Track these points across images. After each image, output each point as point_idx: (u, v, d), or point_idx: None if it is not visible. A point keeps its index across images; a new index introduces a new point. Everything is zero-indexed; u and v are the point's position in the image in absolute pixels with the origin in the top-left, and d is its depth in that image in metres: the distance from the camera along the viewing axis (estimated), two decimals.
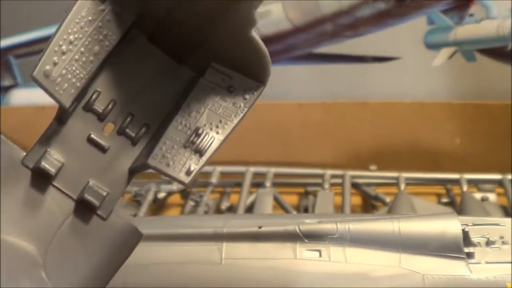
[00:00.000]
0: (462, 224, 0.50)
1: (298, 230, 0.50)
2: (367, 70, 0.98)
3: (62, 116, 0.37)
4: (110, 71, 0.38)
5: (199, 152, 0.36)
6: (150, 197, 0.90)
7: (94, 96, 0.37)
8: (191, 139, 0.36)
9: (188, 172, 0.36)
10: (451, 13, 0.93)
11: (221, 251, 0.50)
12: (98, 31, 0.36)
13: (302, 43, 0.96)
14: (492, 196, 0.89)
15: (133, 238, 0.38)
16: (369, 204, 0.91)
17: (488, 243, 0.50)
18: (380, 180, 0.92)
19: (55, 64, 0.34)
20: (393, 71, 0.96)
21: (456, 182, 0.89)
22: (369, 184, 0.92)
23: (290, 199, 0.90)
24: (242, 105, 0.37)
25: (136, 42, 0.38)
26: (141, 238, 0.38)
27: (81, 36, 0.35)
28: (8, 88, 1.09)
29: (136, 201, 0.91)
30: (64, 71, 0.35)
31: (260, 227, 0.51)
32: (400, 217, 0.52)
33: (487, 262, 0.50)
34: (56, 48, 0.34)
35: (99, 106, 0.37)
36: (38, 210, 0.36)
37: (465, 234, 0.51)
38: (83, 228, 0.36)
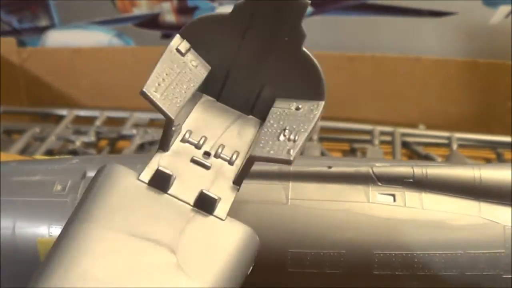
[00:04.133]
0: None
1: (371, 172, 0.47)
2: (421, 24, 0.94)
3: (166, 136, 0.41)
4: (197, 113, 0.44)
5: (293, 140, 0.40)
6: None
7: (187, 134, 0.43)
8: (283, 133, 0.41)
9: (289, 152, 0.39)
10: None
11: (287, 191, 0.47)
12: (184, 75, 0.42)
13: None
14: None
15: (252, 243, 0.40)
16: None
17: None
18: (431, 139, 0.89)
19: (158, 84, 0.39)
20: (449, 26, 0.93)
21: (508, 145, 0.86)
22: (418, 143, 0.88)
23: (336, 155, 0.87)
24: (311, 116, 0.41)
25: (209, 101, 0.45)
26: (259, 245, 0.40)
27: (173, 73, 0.41)
28: (44, 29, 1.06)
29: None
30: (165, 93, 0.39)
31: (330, 167, 0.48)
32: (481, 164, 0.48)
33: None
34: (157, 75, 0.40)
35: (194, 140, 0.43)
36: (159, 220, 0.39)
37: None
38: (204, 233, 0.39)
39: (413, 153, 0.88)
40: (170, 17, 1.01)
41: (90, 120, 0.97)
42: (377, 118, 0.92)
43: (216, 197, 0.40)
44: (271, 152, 0.39)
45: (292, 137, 0.40)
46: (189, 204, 0.40)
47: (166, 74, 0.40)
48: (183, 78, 0.41)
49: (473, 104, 0.94)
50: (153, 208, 0.39)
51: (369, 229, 0.46)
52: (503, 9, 0.92)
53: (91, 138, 0.91)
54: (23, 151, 0.89)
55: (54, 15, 1.05)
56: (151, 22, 1.03)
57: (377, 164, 0.48)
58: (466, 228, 0.46)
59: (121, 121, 0.96)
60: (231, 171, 0.42)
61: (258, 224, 0.43)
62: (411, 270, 0.46)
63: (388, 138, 0.87)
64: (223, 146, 0.43)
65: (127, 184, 0.40)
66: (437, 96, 0.94)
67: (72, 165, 0.53)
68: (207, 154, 0.42)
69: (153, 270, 0.36)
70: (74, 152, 0.88)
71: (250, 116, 0.45)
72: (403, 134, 0.87)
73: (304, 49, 0.41)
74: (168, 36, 1.03)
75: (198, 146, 0.42)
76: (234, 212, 0.40)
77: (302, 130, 0.40)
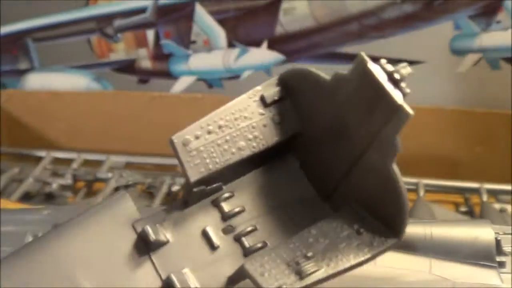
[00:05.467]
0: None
1: None
2: None
3: (187, 194, 0.36)
4: (251, 178, 0.37)
5: (299, 274, 0.33)
6: (164, 189, 0.89)
7: (226, 195, 0.36)
8: (297, 259, 0.33)
9: None
10: (479, 19, 0.91)
11: None
12: (249, 130, 0.35)
13: (326, 41, 0.94)
14: (509, 208, 0.87)
15: None
16: None
17: None
18: None
19: (196, 137, 0.34)
20: (417, 75, 0.95)
21: (476, 191, 0.88)
22: None
23: None
24: (366, 250, 0.34)
25: (288, 164, 0.38)
26: None
27: (231, 126, 0.35)
28: (24, 72, 1.08)
29: (150, 193, 0.90)
30: (202, 148, 0.34)
31: None
32: (432, 221, 0.50)
33: None
34: (203, 125, 0.34)
35: (226, 207, 0.36)
36: (131, 275, 0.35)
37: (497, 242, 0.49)
38: None
39: None
40: (146, 63, 1.04)
41: (67, 162, 0.98)
42: None
43: (192, 285, 0.34)
44: (265, 275, 0.32)
45: (305, 268, 0.33)
46: (161, 278, 0.35)
47: (220, 127, 0.35)
48: (243, 135, 0.35)
49: (442, 149, 0.96)
50: (128, 264, 0.35)
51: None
52: (471, 58, 0.94)
53: (68, 180, 0.93)
54: (1, 193, 0.91)
55: (34, 58, 1.07)
56: (128, 67, 1.05)
57: None
58: (417, 284, 0.48)
59: (97, 164, 0.97)
60: (236, 265, 0.35)
61: None
62: None
63: None
64: (255, 230, 0.36)
65: (121, 222, 0.35)
66: (405, 141, 0.96)
67: (43, 216, 0.55)
68: (229, 228, 0.36)
69: None
70: (50, 195, 0.90)
71: (325, 205, 0.37)
72: None
73: (393, 167, 0.33)
74: (144, 81, 1.05)
75: (224, 217, 0.36)
76: None
77: (333, 263, 0.33)
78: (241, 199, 0.37)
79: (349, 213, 0.35)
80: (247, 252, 0.36)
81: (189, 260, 0.35)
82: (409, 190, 0.89)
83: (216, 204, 0.36)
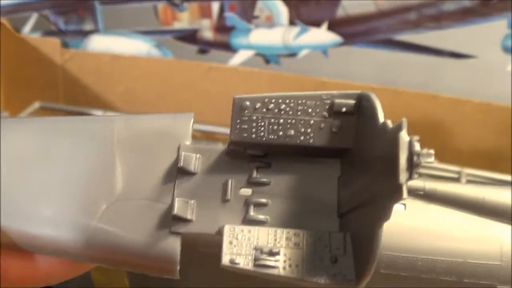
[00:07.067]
0: None
1: None
2: (441, 64, 0.99)
3: (227, 149, 0.38)
4: (293, 162, 0.38)
5: (255, 262, 0.34)
6: None
7: (262, 164, 0.38)
8: (264, 249, 0.34)
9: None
10: None
11: None
12: (304, 125, 0.36)
13: (384, 28, 0.97)
14: None
15: None
16: None
17: None
18: (442, 173, 0.93)
19: (254, 108, 0.36)
20: (467, 69, 0.97)
21: None
22: (430, 176, 0.93)
23: None
24: (325, 278, 0.34)
25: (332, 168, 0.38)
26: None
27: (290, 113, 0.36)
28: (88, 33, 1.12)
29: None
30: (254, 118, 0.36)
31: None
32: (486, 186, 0.53)
33: None
34: (266, 101, 0.36)
35: (256, 173, 0.37)
36: (155, 186, 0.37)
37: None
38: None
39: None
40: (208, 34, 1.07)
41: None
42: None
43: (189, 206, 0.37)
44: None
45: (263, 260, 0.34)
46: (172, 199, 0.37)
47: (279, 110, 0.36)
48: (296, 126, 0.36)
49: (484, 144, 0.98)
50: (155, 170, 0.38)
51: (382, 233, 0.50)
52: None
53: None
54: None
55: (99, 20, 1.10)
56: (189, 36, 1.08)
57: None
58: (467, 239, 0.51)
59: None
60: (228, 223, 0.36)
61: None
62: (415, 272, 0.50)
63: None
64: (265, 205, 0.37)
65: (172, 136, 0.38)
66: (450, 133, 0.98)
67: None
68: (247, 191, 0.37)
69: None
70: None
71: (336, 220, 0.37)
72: None
73: (379, 230, 0.32)
74: (203, 52, 1.08)
75: (250, 181, 0.37)
76: None
77: (285, 269, 0.34)
78: (273, 174, 0.37)
79: (338, 240, 0.35)
80: (245, 219, 0.37)
81: (200, 197, 0.37)
82: (452, 178, 0.91)
83: (250, 167, 0.38)
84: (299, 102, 0.36)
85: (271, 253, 0.34)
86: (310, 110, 0.36)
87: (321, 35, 1.01)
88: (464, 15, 0.94)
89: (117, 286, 0.57)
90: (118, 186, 0.37)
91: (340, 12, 0.98)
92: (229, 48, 1.06)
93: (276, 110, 0.36)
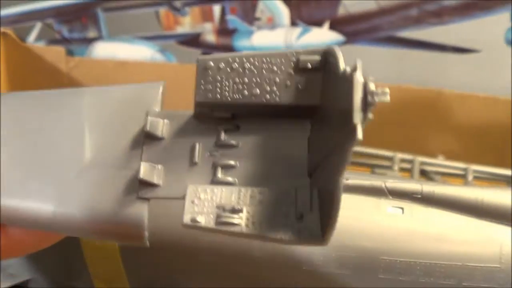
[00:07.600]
0: None
1: (384, 186, 0.52)
2: (444, 60, 0.98)
3: (194, 111, 0.37)
4: (262, 123, 0.37)
5: (218, 219, 0.34)
6: None
7: (230, 127, 0.37)
8: (227, 207, 0.34)
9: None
10: None
11: None
12: (270, 83, 0.36)
13: (386, 25, 0.97)
14: None
15: None
16: None
17: None
18: (449, 169, 0.92)
19: (218, 68, 0.36)
20: (471, 63, 0.97)
21: None
22: (436, 173, 0.92)
23: None
24: (291, 234, 0.33)
25: (301, 128, 0.37)
26: None
27: (255, 72, 0.36)
28: (92, 40, 1.13)
29: None
30: (218, 78, 0.36)
31: (347, 179, 0.52)
32: (484, 187, 0.53)
33: None
34: (230, 60, 0.36)
35: (224, 137, 0.37)
36: (123, 152, 0.38)
37: None
38: None
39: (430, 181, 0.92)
40: (210, 38, 1.07)
41: None
42: (397, 146, 0.96)
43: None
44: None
45: (225, 217, 0.34)
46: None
47: (244, 69, 0.35)
48: (261, 84, 0.36)
49: (491, 139, 0.98)
50: (123, 136, 0.38)
51: (377, 236, 0.51)
52: None
53: None
54: None
55: (102, 27, 1.11)
56: (192, 40, 1.08)
57: (389, 180, 0.53)
58: (465, 242, 0.51)
59: None
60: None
61: None
62: (414, 277, 0.50)
63: (407, 166, 0.90)
64: (233, 167, 0.36)
65: (142, 104, 0.39)
66: (457, 128, 0.98)
67: None
68: (215, 154, 0.37)
69: None
70: None
71: (306, 178, 0.36)
72: (422, 163, 0.91)
73: (338, 180, 0.31)
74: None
75: (217, 143, 0.37)
76: None
77: (248, 226, 0.33)
78: (241, 137, 0.37)
79: (304, 196, 0.34)
80: (213, 181, 0.36)
81: (167, 161, 0.37)
82: (458, 175, 0.91)
83: (218, 130, 0.37)
84: (264, 60, 0.35)
85: (234, 211, 0.33)
86: (275, 68, 0.35)
87: (323, 35, 1.00)
88: (466, 9, 0.93)
89: None
90: (87, 155, 0.37)
91: (342, 11, 0.98)
92: (233, 51, 1.06)
93: (241, 70, 0.35)
